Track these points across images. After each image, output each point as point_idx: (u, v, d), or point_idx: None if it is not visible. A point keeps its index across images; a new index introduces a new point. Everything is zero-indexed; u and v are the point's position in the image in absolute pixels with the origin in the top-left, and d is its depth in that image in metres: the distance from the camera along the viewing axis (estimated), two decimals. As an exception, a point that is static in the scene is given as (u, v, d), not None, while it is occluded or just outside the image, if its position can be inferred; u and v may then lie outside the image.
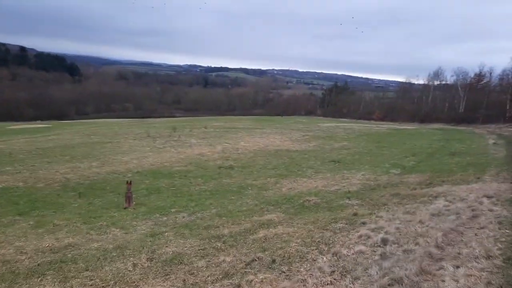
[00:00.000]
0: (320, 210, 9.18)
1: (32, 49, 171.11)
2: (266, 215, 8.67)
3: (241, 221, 8.04)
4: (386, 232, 6.50)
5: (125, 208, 10.64)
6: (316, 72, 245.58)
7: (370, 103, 76.37)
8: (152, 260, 5.68)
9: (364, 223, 7.39)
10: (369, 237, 6.28)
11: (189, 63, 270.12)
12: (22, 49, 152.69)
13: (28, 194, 13.06)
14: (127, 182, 11.54)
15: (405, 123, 56.80)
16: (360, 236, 6.32)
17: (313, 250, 5.79)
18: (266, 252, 5.75)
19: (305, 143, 28.39)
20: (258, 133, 36.41)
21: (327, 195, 11.43)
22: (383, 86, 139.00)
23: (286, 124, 48.19)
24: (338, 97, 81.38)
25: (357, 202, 9.87)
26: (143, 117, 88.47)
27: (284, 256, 5.57)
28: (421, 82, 71.84)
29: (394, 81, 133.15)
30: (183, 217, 9.17)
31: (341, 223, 7.48)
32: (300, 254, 5.64)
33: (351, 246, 5.82)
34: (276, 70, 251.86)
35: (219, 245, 6.33)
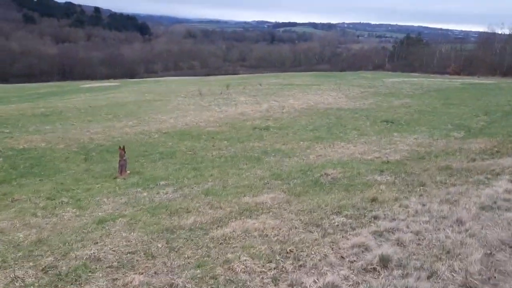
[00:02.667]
0: (335, 189, 7.13)
1: (107, 10, 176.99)
2: (263, 194, 6.82)
3: (223, 204, 6.27)
4: (397, 241, 4.35)
5: (114, 178, 9.29)
6: (390, 25, 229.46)
7: (445, 56, 68.89)
8: (47, 272, 4.12)
9: (376, 218, 5.25)
10: (366, 249, 4.18)
11: (256, 19, 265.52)
12: (97, 10, 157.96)
13: (38, 157, 12.28)
14: (119, 148, 10.11)
15: (484, 77, 50.43)
16: (353, 247, 4.24)
17: (265, 273, 3.84)
18: (199, 270, 3.91)
19: (361, 101, 25.55)
20: (313, 90, 33.84)
21: (358, 165, 9.24)
22: (463, 37, 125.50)
23: (348, 79, 44.76)
24: (409, 50, 74.47)
25: (387, 178, 7.62)
26: (208, 75, 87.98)
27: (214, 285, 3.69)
28: (506, 31, 63.02)
29: (476, 31, 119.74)
30: (166, 193, 7.59)
31: (345, 215, 5.41)
32: (242, 280, 3.71)
33: (325, 271, 3.75)
34: (346, 23, 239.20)
35: (158, 246, 4.62)
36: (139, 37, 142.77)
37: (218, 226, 5.20)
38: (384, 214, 5.36)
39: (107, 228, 5.40)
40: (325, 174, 8.16)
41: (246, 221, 5.28)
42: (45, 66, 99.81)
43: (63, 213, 6.50)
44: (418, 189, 6.62)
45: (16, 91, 53.19)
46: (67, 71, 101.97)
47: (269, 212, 5.75)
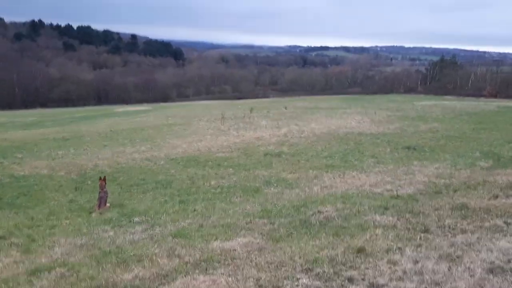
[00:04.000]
0: (323, 232, 6.09)
1: (144, 37, 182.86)
2: (237, 238, 5.88)
3: (185, 251, 5.39)
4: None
5: (91, 213, 8.52)
6: (424, 47, 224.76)
7: (481, 78, 65.91)
8: None
9: (350, 281, 4.19)
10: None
11: (289, 44, 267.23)
12: (133, 37, 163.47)
13: (30, 185, 11.85)
14: (100, 179, 9.35)
15: (525, 100, 47.68)
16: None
17: None
18: None
19: (386, 125, 24.22)
20: (338, 114, 32.70)
21: (362, 201, 8.15)
22: (500, 59, 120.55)
23: (377, 103, 43.29)
24: (443, 72, 71.84)
25: (389, 219, 6.50)
26: (238, 98, 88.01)
27: None
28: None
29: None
30: (133, 233, 6.75)
31: (316, 274, 4.38)
32: None
33: None
34: (379, 46, 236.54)
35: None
36: (173, 63, 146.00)
37: (159, 285, 4.30)
38: (363, 276, 4.29)
39: (34, 282, 4.59)
40: (318, 212, 7.13)
41: (196, 279, 4.36)
42: (82, 91, 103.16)
43: (4, 258, 5.78)
44: (419, 237, 5.49)
45: (53, 115, 54.80)
46: (103, 95, 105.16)
47: (229, 265, 4.79)
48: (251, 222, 6.88)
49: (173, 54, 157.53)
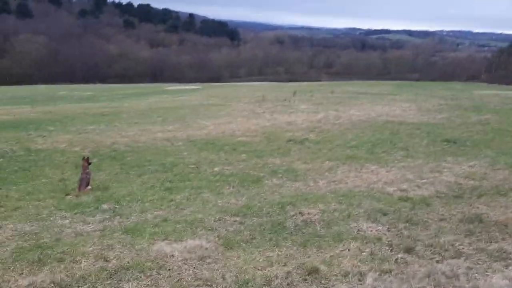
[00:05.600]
0: (289, 241, 5.17)
1: (203, 16, 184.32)
2: (187, 240, 5.11)
3: (114, 253, 4.68)
4: None
5: (67, 195, 8.01)
6: (494, 33, 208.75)
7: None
8: None
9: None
10: None
11: (348, 26, 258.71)
12: (191, 16, 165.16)
13: (36, 160, 11.67)
14: (82, 159, 8.70)
15: None
16: None
17: None
18: None
19: (433, 114, 22.24)
20: (386, 100, 30.70)
21: (360, 202, 7.05)
22: None
23: (432, 90, 40.44)
24: (510, 61, 65.87)
25: (377, 230, 5.44)
26: (290, 81, 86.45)
27: None
28: None
29: None
30: (88, 223, 6.12)
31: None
32: None
33: None
34: (445, 31, 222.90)
35: None
36: (228, 43, 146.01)
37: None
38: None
39: None
40: (300, 213, 6.15)
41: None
42: (139, 69, 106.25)
43: None
44: (395, 258, 4.39)
45: (109, 90, 56.47)
46: (158, 73, 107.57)
47: (149, 277, 4.01)
48: (219, 220, 6.07)
49: (229, 34, 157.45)
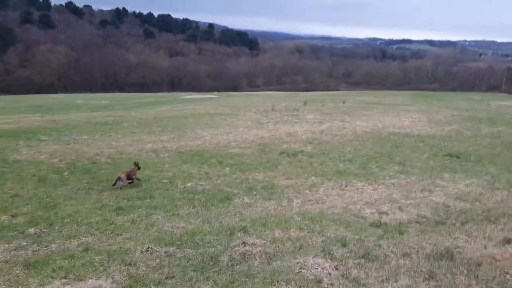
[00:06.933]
0: (207, 283, 4.37)
1: (224, 26, 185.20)
2: (87, 280, 4.44)
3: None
4: None
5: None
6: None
7: None
8: None
9: None
10: None
11: (369, 36, 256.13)
12: (210, 25, 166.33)
13: (5, 172, 11.20)
14: (134, 164, 10.38)
15: None
16: None
17: None
18: None
19: (442, 126, 21.15)
20: (397, 111, 29.63)
21: (324, 228, 6.28)
22: None
23: (448, 100, 39.08)
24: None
25: (323, 268, 4.69)
26: (308, 90, 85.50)
27: None
28: None
29: None
30: (10, 249, 5.51)
31: None
32: None
33: None
34: (468, 41, 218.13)
35: None
36: (247, 52, 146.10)
37: None
38: None
39: None
40: (243, 243, 5.40)
41: None
42: (157, 77, 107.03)
43: None
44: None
45: (126, 99, 56.71)
46: (176, 82, 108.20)
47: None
48: (147, 251, 5.38)
49: (248, 44, 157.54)
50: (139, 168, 10.31)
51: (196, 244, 5.64)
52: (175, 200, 8.42)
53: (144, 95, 72.81)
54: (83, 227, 6.70)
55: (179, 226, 6.57)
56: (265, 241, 5.58)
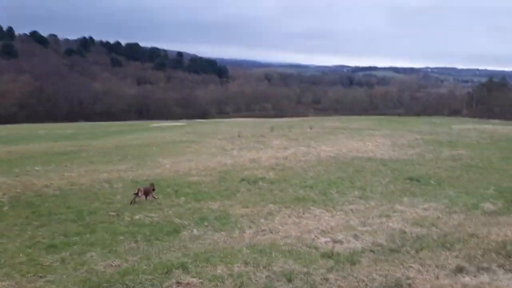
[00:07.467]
0: None
1: (193, 55, 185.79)
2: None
3: None
4: None
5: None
6: (477, 70, 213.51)
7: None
8: None
9: None
10: None
11: (336, 64, 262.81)
12: (179, 54, 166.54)
13: None
14: (150, 184, 11.63)
15: None
16: None
17: None
18: None
19: (405, 150, 21.30)
20: (362, 136, 29.83)
21: (272, 261, 5.80)
22: None
23: (412, 125, 39.84)
24: (491, 95, 65.94)
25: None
26: (276, 117, 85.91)
27: None
28: None
29: None
30: None
31: None
32: None
33: None
34: (430, 68, 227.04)
35: None
36: (216, 80, 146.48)
37: None
38: None
39: None
40: (177, 283, 4.89)
41: None
42: (124, 106, 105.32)
43: None
44: None
45: (92, 128, 55.13)
46: (144, 110, 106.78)
47: None
48: None
49: (217, 72, 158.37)
50: (153, 189, 11.41)
51: (125, 286, 5.07)
52: (117, 234, 7.79)
53: (111, 123, 71.27)
54: (4, 269, 6.00)
55: (113, 265, 5.98)
56: (202, 280, 5.08)
